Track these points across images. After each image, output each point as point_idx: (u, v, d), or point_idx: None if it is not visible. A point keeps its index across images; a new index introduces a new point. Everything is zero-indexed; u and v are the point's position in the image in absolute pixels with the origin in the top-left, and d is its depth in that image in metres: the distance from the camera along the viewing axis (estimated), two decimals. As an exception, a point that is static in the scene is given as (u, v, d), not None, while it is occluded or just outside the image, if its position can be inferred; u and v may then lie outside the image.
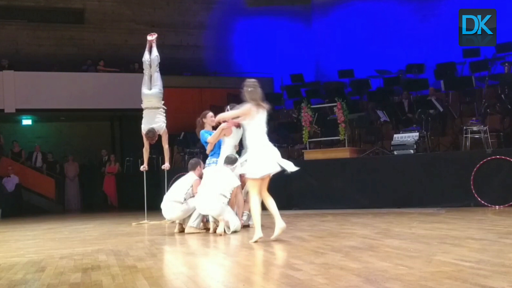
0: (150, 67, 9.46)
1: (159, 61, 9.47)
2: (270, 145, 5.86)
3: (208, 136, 7.42)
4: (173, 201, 7.43)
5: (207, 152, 7.55)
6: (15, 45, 17.11)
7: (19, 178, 14.94)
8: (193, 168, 7.60)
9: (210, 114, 7.69)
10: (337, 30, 18.07)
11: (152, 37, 9.52)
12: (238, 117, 6.00)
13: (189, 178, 7.59)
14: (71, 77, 16.19)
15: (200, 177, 7.43)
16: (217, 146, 7.41)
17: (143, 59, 9.50)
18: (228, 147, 7.30)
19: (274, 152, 5.82)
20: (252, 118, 5.76)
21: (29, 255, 5.78)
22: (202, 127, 7.69)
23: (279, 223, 5.76)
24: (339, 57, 17.38)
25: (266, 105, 5.84)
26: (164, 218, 8.00)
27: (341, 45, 17.71)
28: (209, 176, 7.09)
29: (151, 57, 9.51)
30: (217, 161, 7.35)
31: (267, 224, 6.58)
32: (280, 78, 17.03)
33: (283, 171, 5.79)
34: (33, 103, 15.75)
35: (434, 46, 15.45)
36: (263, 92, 5.92)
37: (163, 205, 7.54)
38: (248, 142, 5.84)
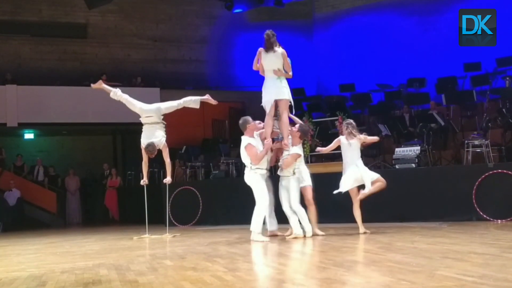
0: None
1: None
2: (357, 165, 7.61)
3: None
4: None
5: None
6: (18, 59, 17.20)
7: (21, 192, 14.92)
8: (244, 128, 7.83)
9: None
10: (338, 44, 18.14)
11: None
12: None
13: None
14: (74, 91, 16.22)
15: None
16: None
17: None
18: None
19: (357, 171, 7.58)
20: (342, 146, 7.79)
21: (30, 270, 5.76)
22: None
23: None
24: (341, 71, 17.43)
25: (360, 136, 7.70)
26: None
27: (342, 59, 17.77)
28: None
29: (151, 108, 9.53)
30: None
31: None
32: (281, 92, 17.03)
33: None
34: (35, 117, 15.81)
35: (435, 60, 15.50)
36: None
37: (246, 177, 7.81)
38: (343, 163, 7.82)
